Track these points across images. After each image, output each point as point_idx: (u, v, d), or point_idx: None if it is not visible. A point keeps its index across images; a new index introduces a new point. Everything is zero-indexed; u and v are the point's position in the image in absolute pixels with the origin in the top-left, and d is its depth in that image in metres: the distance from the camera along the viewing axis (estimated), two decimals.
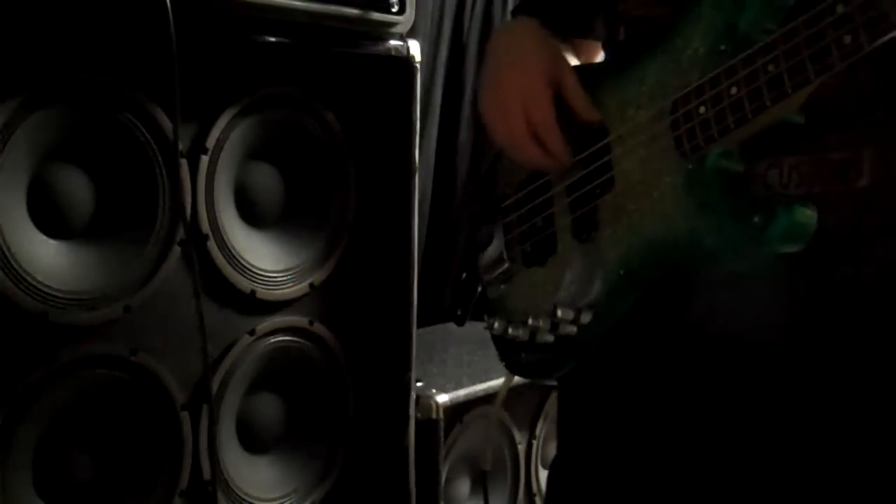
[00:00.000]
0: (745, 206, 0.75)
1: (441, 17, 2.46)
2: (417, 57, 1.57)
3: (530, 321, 0.94)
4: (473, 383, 1.77)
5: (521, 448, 1.91)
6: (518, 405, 1.87)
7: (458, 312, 1.11)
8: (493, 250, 1.04)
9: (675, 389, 0.92)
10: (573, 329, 0.90)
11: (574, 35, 1.08)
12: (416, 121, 1.60)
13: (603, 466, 0.99)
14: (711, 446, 0.90)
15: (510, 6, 2.63)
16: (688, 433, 0.92)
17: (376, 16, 1.48)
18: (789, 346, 0.82)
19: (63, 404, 1.28)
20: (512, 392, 1.82)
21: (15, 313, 1.21)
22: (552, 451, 2.02)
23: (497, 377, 1.80)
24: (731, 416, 0.88)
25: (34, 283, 1.22)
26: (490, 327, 1.03)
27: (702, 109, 0.77)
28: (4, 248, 1.19)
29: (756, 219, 0.73)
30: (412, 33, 1.57)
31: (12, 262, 1.20)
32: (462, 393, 1.74)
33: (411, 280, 1.63)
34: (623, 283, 0.86)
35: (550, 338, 0.93)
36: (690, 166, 0.79)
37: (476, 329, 2.27)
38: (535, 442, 1.93)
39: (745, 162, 0.77)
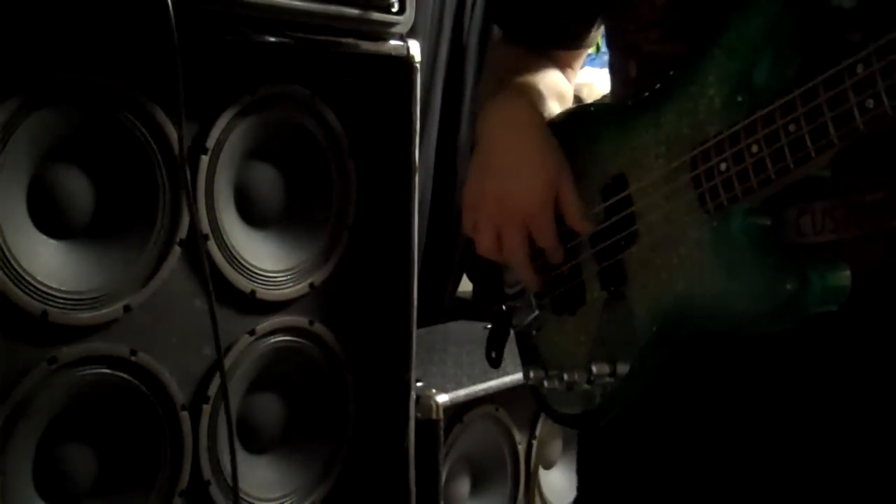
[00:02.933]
0: (777, 271, 0.72)
1: (441, 17, 2.46)
2: (417, 57, 1.57)
3: (566, 376, 0.92)
4: (473, 383, 1.77)
5: (521, 448, 1.91)
6: (518, 405, 1.87)
7: (493, 355, 1.08)
8: (518, 283, 1.02)
9: (700, 426, 0.90)
10: (610, 380, 0.88)
11: (557, 47, 1.05)
12: (416, 121, 1.60)
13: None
14: (740, 478, 0.89)
15: None
16: (714, 471, 0.90)
17: (376, 16, 1.48)
18: (826, 389, 0.82)
19: (63, 404, 1.27)
20: (512, 392, 1.82)
21: (15, 313, 1.21)
22: (552, 451, 2.03)
23: (497, 377, 1.80)
24: (756, 440, 0.87)
25: (34, 283, 1.22)
26: (526, 377, 1.00)
27: (723, 167, 0.75)
28: (4, 248, 1.19)
29: (788, 286, 0.71)
30: (412, 33, 1.57)
31: (12, 262, 1.20)
32: (462, 393, 1.74)
33: (411, 280, 1.63)
34: (656, 340, 0.84)
35: (588, 388, 0.91)
36: (716, 223, 0.77)
37: (476, 329, 2.28)
38: (534, 442, 1.93)
39: (772, 212, 0.75)
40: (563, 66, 1.06)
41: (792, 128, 0.69)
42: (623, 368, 0.87)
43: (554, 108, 0.98)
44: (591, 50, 1.09)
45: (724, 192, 0.75)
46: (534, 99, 0.97)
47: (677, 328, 0.82)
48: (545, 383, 0.97)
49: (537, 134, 0.94)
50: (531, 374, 0.99)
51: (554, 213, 0.92)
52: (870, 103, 0.63)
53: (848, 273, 0.71)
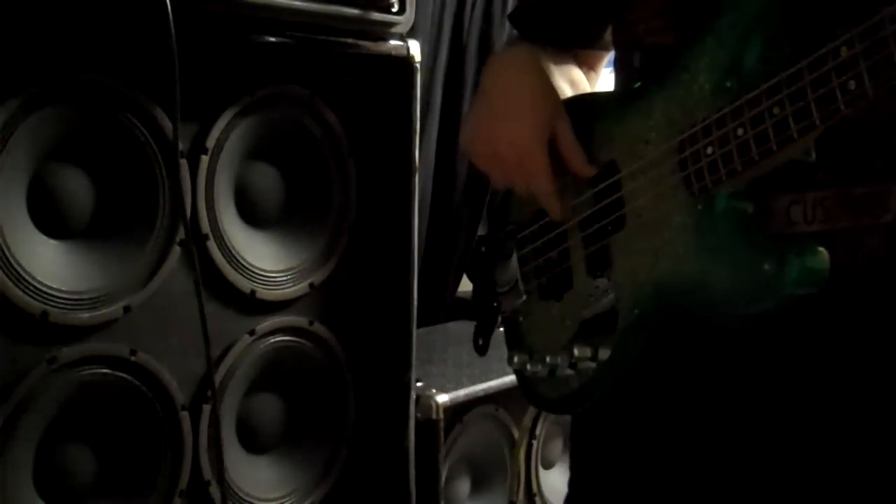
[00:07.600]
0: (756, 252, 0.73)
1: (441, 17, 2.46)
2: (417, 57, 1.57)
3: (548, 359, 0.94)
4: (473, 383, 1.77)
5: (521, 448, 1.91)
6: (518, 405, 1.87)
7: (480, 343, 1.10)
8: (510, 282, 1.03)
9: (693, 415, 0.90)
10: (592, 365, 0.89)
11: (575, 46, 1.06)
12: (416, 121, 1.60)
13: (618, 499, 0.98)
14: (730, 469, 0.89)
15: (510, 7, 2.63)
16: (706, 458, 0.90)
17: (376, 16, 1.48)
18: (814, 381, 0.82)
19: (63, 404, 1.27)
20: (512, 392, 1.82)
21: (15, 313, 1.21)
22: (552, 451, 2.02)
23: (497, 377, 1.80)
24: (746, 433, 0.87)
25: (34, 283, 1.22)
26: (510, 361, 1.02)
27: (709, 150, 0.76)
28: (4, 248, 1.19)
29: (767, 266, 0.72)
30: (412, 33, 1.57)
31: (12, 262, 1.20)
32: (462, 393, 1.74)
33: (411, 280, 1.63)
34: (638, 323, 0.85)
35: (570, 373, 0.92)
36: (700, 207, 0.78)
37: None
38: (535, 442, 1.93)
39: (760, 198, 0.75)
40: (586, 66, 1.08)
41: (776, 110, 0.70)
42: (604, 353, 0.88)
43: (563, 85, 1.00)
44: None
45: (709, 174, 0.76)
46: (537, 55, 0.99)
47: (659, 312, 0.83)
48: (528, 367, 0.98)
49: (533, 79, 0.97)
50: (515, 359, 1.01)
51: (547, 154, 0.94)
52: (851, 84, 0.64)
53: (826, 257, 0.72)
